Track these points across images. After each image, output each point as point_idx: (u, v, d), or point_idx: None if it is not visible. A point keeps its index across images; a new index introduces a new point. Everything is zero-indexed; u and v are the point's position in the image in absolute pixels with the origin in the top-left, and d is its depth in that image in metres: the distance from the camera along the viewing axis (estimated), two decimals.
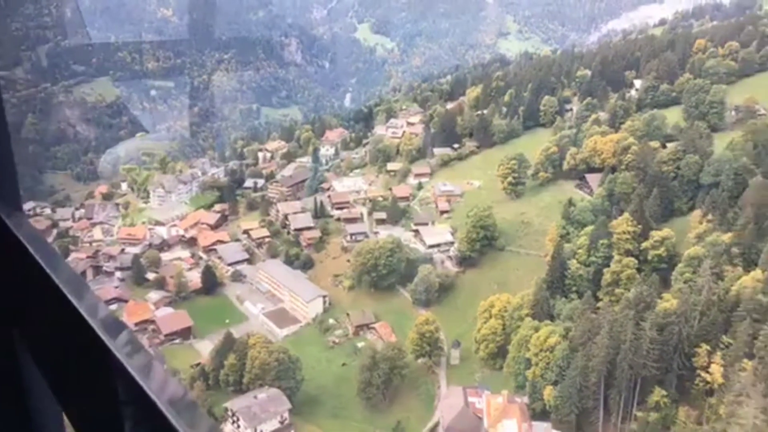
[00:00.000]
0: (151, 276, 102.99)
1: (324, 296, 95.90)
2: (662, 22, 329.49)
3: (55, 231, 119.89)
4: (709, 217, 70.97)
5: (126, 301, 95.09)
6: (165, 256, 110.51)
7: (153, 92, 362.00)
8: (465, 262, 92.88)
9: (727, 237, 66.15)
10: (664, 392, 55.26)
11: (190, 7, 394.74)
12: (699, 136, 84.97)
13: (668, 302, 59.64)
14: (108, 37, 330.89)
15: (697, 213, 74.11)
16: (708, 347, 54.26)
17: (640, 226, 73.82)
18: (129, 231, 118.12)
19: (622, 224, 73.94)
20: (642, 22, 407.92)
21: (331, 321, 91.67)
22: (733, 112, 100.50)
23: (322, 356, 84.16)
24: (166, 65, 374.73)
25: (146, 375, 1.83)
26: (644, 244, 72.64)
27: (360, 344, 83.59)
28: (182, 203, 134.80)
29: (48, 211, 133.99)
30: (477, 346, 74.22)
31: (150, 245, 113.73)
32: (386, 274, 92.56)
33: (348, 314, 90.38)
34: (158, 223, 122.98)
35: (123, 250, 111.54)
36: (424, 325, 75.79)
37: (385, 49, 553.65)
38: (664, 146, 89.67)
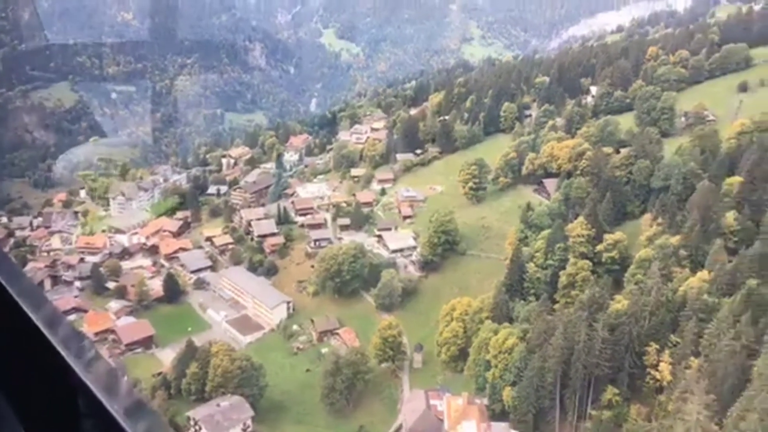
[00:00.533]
0: (111, 285, 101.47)
1: (288, 302, 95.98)
2: (619, 29, 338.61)
3: (11, 240, 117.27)
4: (659, 220, 73.76)
5: (86, 311, 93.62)
6: (126, 265, 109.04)
7: (114, 95, 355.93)
8: (427, 266, 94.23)
9: (675, 239, 68.87)
10: (616, 390, 57.31)
11: (152, 10, 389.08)
12: (649, 142, 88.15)
13: (620, 303, 61.79)
14: (66, 41, 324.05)
15: (647, 216, 77.00)
16: (657, 346, 56.44)
17: (594, 230, 76.23)
18: (88, 240, 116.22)
19: (577, 228, 76.27)
20: (600, 29, 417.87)
21: (295, 327, 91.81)
22: (683, 118, 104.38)
23: (285, 362, 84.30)
24: (126, 69, 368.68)
25: (106, 388, 1.80)
26: (598, 247, 75.05)
27: (324, 350, 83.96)
28: (143, 210, 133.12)
29: (4, 219, 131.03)
30: (439, 350, 75.46)
31: (110, 254, 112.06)
32: (350, 279, 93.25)
33: (312, 320, 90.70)
34: (118, 231, 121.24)
35: (82, 259, 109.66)
36: (386, 330, 76.72)
37: (351, 54, 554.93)
38: (617, 152, 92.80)
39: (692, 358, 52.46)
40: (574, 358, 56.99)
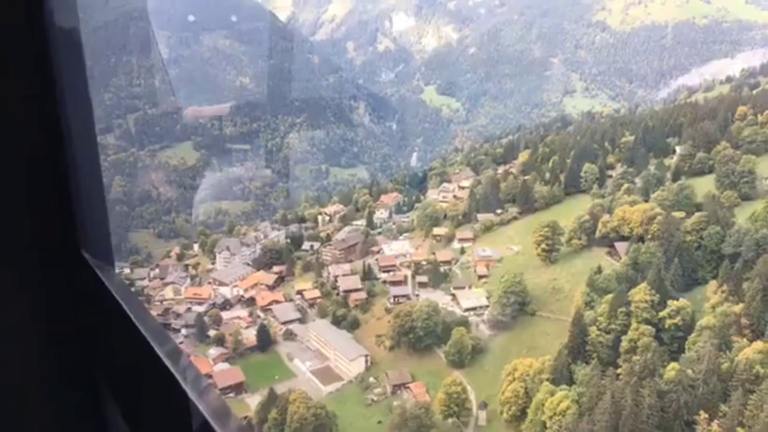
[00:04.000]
0: (212, 333, 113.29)
1: (366, 355, 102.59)
2: (729, 80, 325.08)
3: (132, 290, 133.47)
4: (724, 287, 73.69)
5: (189, 356, 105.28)
6: (226, 315, 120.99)
7: (231, 154, 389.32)
8: (498, 325, 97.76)
9: (738, 308, 68.86)
10: None
11: (266, 75, 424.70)
12: (721, 207, 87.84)
13: (673, 370, 62.88)
14: (191, 104, 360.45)
15: (713, 283, 76.91)
16: (706, 415, 57.15)
17: (658, 295, 77.20)
18: (195, 291, 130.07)
19: (640, 293, 77.54)
20: (713, 78, 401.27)
21: (371, 380, 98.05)
22: (767, 181, 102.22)
23: (359, 413, 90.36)
24: (242, 129, 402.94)
25: (219, 420, 2.05)
26: (661, 314, 75.83)
27: (395, 403, 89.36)
28: (245, 265, 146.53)
29: (127, 270, 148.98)
30: (501, 408, 78.59)
31: (213, 304, 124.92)
32: (423, 335, 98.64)
33: (386, 373, 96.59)
34: (222, 284, 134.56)
35: (189, 308, 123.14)
36: (451, 386, 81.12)
37: (451, 109, 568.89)
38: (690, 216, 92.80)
39: (738, 429, 53.02)
40: (621, 423, 58.79)
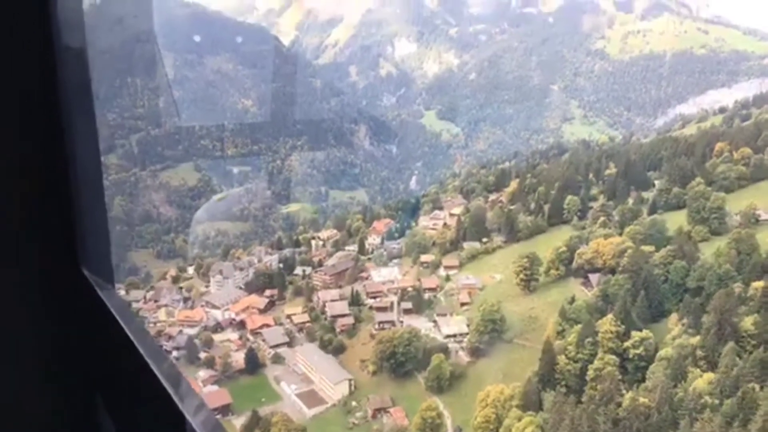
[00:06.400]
0: (202, 355, 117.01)
1: (350, 380, 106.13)
2: (722, 110, 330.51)
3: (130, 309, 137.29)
4: (684, 320, 77.68)
5: (185, 377, 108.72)
6: (217, 337, 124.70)
7: (235, 172, 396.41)
8: (476, 352, 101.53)
9: (694, 340, 72.83)
10: None
11: (268, 97, 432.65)
12: (687, 242, 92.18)
13: (631, 399, 66.67)
14: (193, 125, 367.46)
15: (674, 316, 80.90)
16: None
17: (623, 326, 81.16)
18: (188, 313, 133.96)
19: (606, 324, 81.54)
20: (709, 107, 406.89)
21: (353, 403, 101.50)
22: (737, 217, 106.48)
23: None
24: (243, 151, 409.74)
25: None
26: (626, 344, 79.72)
27: (375, 427, 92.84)
28: (237, 288, 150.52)
29: (123, 292, 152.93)
30: None
31: (205, 327, 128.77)
32: (404, 361, 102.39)
33: (368, 398, 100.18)
34: (214, 307, 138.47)
35: (181, 331, 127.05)
36: (427, 411, 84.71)
37: (451, 134, 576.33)
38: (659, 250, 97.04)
39: None
40: None
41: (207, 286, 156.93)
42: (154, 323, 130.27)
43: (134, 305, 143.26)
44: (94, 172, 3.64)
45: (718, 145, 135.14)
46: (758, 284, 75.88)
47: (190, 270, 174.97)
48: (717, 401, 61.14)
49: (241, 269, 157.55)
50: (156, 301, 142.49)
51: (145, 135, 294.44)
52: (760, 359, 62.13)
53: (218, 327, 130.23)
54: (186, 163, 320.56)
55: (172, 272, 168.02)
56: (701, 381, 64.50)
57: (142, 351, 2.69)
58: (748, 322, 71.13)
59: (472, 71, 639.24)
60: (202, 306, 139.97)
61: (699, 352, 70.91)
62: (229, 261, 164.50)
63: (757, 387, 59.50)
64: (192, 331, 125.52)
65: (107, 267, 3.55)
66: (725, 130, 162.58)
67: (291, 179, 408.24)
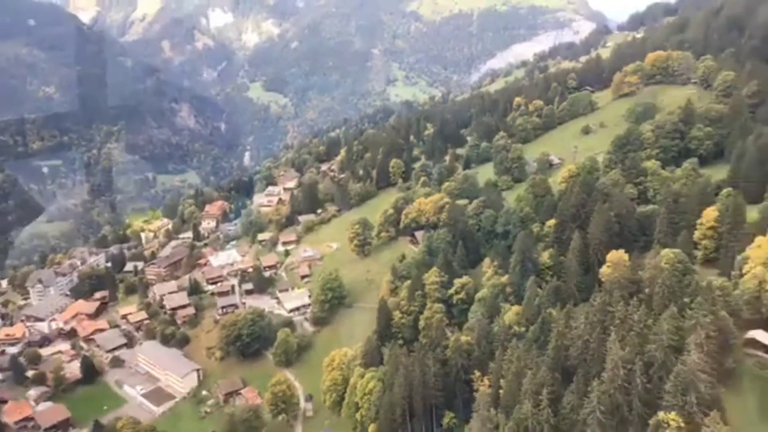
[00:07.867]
0: (30, 373, 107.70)
1: (198, 370, 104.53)
2: (524, 64, 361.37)
3: None
4: (495, 263, 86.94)
5: (5, 402, 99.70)
6: (45, 352, 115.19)
7: (45, 170, 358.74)
8: (320, 321, 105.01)
9: (504, 278, 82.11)
10: (452, 414, 69.01)
11: (73, 82, 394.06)
12: (493, 191, 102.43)
13: (455, 339, 73.89)
14: None
15: (487, 260, 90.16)
16: (479, 373, 68.45)
17: (446, 276, 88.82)
18: (7, 331, 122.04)
19: (431, 276, 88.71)
20: (515, 60, 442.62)
21: (204, 393, 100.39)
22: (535, 164, 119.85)
23: (194, 427, 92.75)
24: (51, 143, 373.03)
25: None
26: (450, 291, 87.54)
27: (228, 410, 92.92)
28: (62, 295, 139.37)
29: None
30: (324, 397, 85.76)
31: (29, 343, 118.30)
32: (250, 341, 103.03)
33: (217, 384, 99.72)
34: (38, 319, 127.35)
35: (3, 351, 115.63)
36: (276, 386, 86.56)
37: (279, 105, 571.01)
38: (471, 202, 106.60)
39: (501, 380, 64.52)
40: (414, 392, 68.45)
41: (26, 299, 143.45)
42: None
43: None
44: None
45: (516, 99, 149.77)
46: (552, 222, 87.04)
47: (4, 283, 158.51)
48: (524, 329, 70.23)
49: (64, 275, 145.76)
50: None
51: None
52: (554, 287, 72.20)
53: (45, 340, 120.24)
54: None
55: None
56: (510, 313, 73.43)
57: None
58: (545, 256, 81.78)
59: (293, 39, 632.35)
60: (22, 321, 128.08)
61: (508, 289, 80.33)
62: (48, 268, 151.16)
63: (553, 311, 69.16)
64: (14, 350, 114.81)
65: None
66: (522, 85, 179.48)
67: (111, 168, 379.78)
